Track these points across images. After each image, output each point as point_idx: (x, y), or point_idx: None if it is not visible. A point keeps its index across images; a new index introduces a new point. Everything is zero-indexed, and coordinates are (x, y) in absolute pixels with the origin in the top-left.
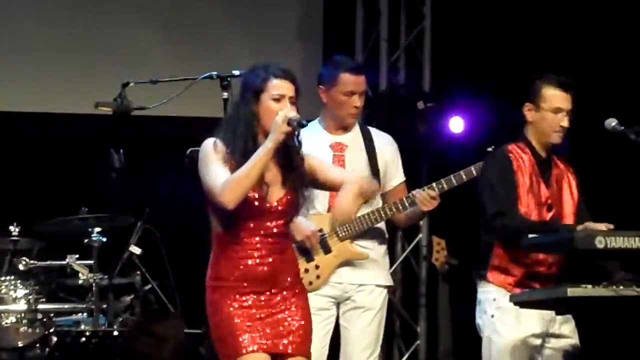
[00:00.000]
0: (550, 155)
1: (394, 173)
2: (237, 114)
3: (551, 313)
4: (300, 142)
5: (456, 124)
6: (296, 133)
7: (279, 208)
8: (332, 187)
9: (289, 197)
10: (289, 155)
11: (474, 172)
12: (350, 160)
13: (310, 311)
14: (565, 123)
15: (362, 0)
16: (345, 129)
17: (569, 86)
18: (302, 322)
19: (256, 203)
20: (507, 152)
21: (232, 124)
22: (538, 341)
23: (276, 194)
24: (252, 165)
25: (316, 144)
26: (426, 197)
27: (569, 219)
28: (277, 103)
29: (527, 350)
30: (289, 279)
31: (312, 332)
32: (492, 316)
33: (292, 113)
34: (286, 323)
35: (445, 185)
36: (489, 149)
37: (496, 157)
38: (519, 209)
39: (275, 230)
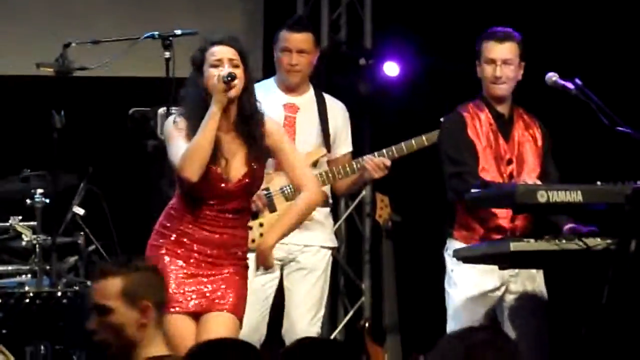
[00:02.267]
0: (512, 109)
1: (342, 141)
2: (189, 89)
3: (514, 269)
4: (259, 112)
5: (391, 69)
6: (251, 99)
7: (239, 186)
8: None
9: (250, 174)
10: (248, 126)
11: (425, 141)
12: (301, 122)
13: (246, 288)
14: (497, 72)
15: None
16: (297, 90)
17: (505, 38)
18: (233, 290)
19: (215, 180)
20: (460, 112)
21: (186, 100)
22: (495, 296)
23: (238, 171)
24: (201, 133)
25: (270, 102)
26: (379, 164)
27: (531, 173)
28: (216, 69)
29: (483, 305)
30: (235, 250)
31: (242, 299)
32: (452, 270)
33: (225, 71)
34: (213, 287)
35: (395, 153)
36: (442, 119)
37: (450, 119)
38: (476, 167)
39: (232, 206)
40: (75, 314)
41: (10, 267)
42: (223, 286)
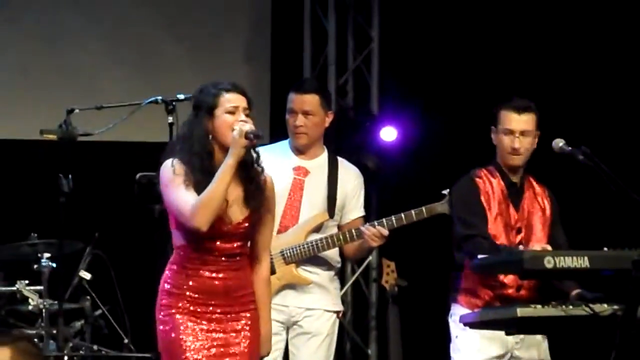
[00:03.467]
0: (523, 178)
1: (353, 206)
2: (191, 133)
3: (519, 336)
4: (258, 157)
5: (388, 133)
6: (254, 146)
7: (240, 230)
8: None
9: (250, 218)
10: (248, 172)
11: (425, 213)
12: (309, 186)
13: (259, 331)
14: (515, 144)
15: (310, 24)
16: (307, 153)
17: (525, 109)
18: (248, 345)
19: (219, 222)
20: (474, 177)
21: (187, 143)
22: None
23: (238, 214)
24: (216, 184)
25: (281, 164)
26: (375, 234)
27: (539, 242)
28: (232, 115)
29: None
30: (243, 297)
31: (258, 351)
32: (457, 337)
33: (248, 126)
34: (233, 342)
35: (395, 223)
36: (444, 192)
37: (463, 183)
38: (486, 230)
39: (234, 250)
40: None
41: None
42: (239, 341)
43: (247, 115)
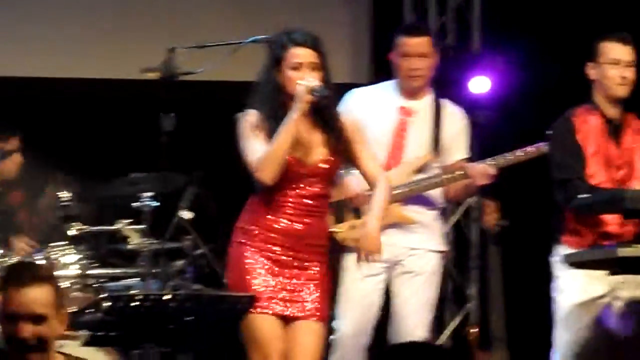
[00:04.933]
0: (623, 114)
1: (457, 148)
2: (264, 81)
3: (622, 275)
4: (333, 104)
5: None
6: (321, 100)
7: (318, 171)
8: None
9: (329, 160)
10: (324, 117)
11: (526, 155)
12: (414, 126)
13: (329, 279)
14: (627, 73)
15: None
16: (416, 94)
17: (629, 40)
18: (320, 291)
19: (293, 166)
20: (569, 116)
21: (261, 92)
22: (602, 302)
23: (316, 156)
24: (279, 138)
25: (385, 105)
26: (482, 171)
27: None
28: (296, 71)
29: (590, 312)
30: (317, 245)
31: (327, 299)
32: (559, 277)
33: (313, 83)
34: (303, 289)
35: (499, 163)
36: (548, 132)
37: (558, 125)
38: (584, 173)
39: (312, 192)
40: (183, 316)
41: (118, 271)
42: (310, 288)
43: (314, 69)
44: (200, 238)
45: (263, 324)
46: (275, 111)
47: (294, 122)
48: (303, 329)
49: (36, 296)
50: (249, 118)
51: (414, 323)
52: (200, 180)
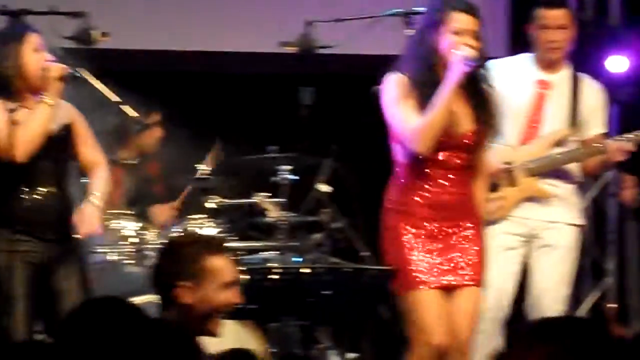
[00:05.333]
0: None
1: (595, 122)
2: (418, 46)
3: None
4: (487, 73)
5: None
6: (476, 71)
7: (467, 141)
8: None
9: (478, 130)
10: (476, 87)
11: None
12: (552, 100)
13: (485, 245)
14: None
15: None
16: (554, 67)
17: None
18: (475, 257)
19: (444, 136)
20: None
21: (413, 57)
22: None
23: (465, 127)
24: (437, 109)
25: (522, 78)
26: (620, 147)
27: None
28: (457, 36)
29: None
30: (470, 211)
31: (486, 265)
32: None
33: (470, 51)
34: (460, 258)
35: (637, 138)
36: None
37: None
38: None
39: (460, 163)
40: (321, 290)
41: (256, 243)
42: (465, 255)
43: (473, 37)
44: (338, 211)
45: (425, 301)
46: (426, 76)
47: (450, 92)
48: (463, 296)
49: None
50: (399, 81)
51: (552, 297)
52: (337, 153)
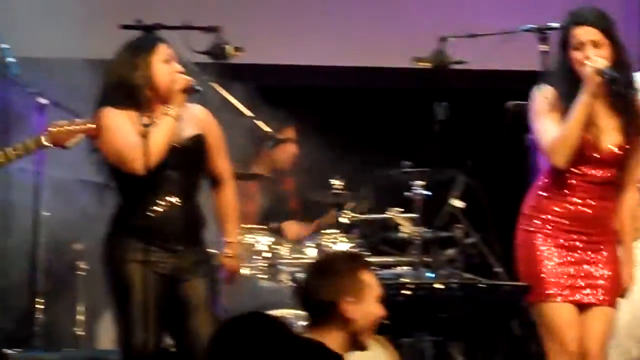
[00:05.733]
0: None
1: None
2: (559, 61)
3: None
4: (627, 86)
5: None
6: (611, 81)
7: (610, 156)
8: None
9: (622, 146)
10: (621, 101)
11: None
12: None
13: (619, 264)
14: None
15: None
16: None
17: None
18: (610, 274)
19: (585, 149)
20: None
21: (556, 71)
22: None
23: (610, 141)
24: (570, 121)
25: None
26: None
27: None
28: (579, 51)
29: None
30: (607, 227)
31: (619, 283)
32: None
33: (601, 63)
34: (596, 274)
35: None
36: None
37: None
38: None
39: (604, 177)
40: (454, 305)
41: (389, 259)
42: (602, 272)
43: (599, 47)
44: (471, 227)
45: (559, 312)
46: (569, 90)
47: (584, 105)
48: (596, 315)
49: None
50: (545, 94)
51: None
52: (471, 168)
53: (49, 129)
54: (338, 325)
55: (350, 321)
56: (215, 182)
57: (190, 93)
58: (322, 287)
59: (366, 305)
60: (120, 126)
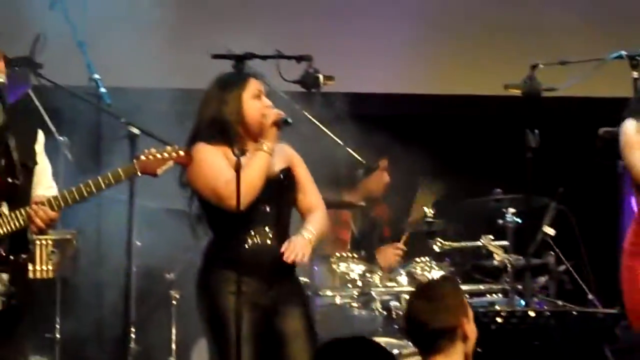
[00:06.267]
0: None
1: None
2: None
3: None
4: None
5: None
6: None
7: None
8: None
9: None
10: None
11: None
12: None
13: None
14: None
15: None
16: None
17: None
18: None
19: None
20: None
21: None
22: None
23: None
24: None
25: None
26: None
27: None
28: None
29: None
30: None
31: None
32: None
33: None
34: None
35: None
36: None
37: None
38: None
39: None
40: (548, 333)
41: (482, 286)
42: None
43: None
44: (564, 254)
45: None
46: None
47: None
48: None
49: None
50: (630, 127)
51: None
52: (562, 196)
53: (140, 157)
54: (460, 347)
55: (469, 341)
56: (306, 213)
57: (281, 127)
58: (439, 313)
59: (473, 324)
60: (215, 162)
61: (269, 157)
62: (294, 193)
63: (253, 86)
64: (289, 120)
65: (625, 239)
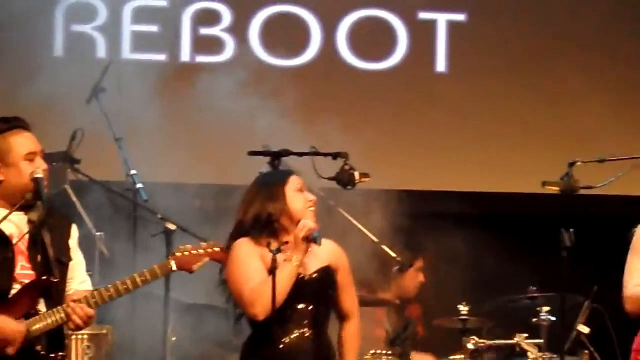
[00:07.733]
0: None
1: None
2: None
3: None
4: None
5: None
6: None
7: None
8: None
9: None
10: None
11: None
12: None
13: None
14: None
15: None
16: None
17: None
18: None
19: None
20: None
21: None
22: None
23: None
24: None
25: None
26: None
27: None
28: None
29: None
30: None
31: None
32: None
33: None
34: None
35: None
36: None
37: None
38: None
39: None
40: None
41: None
42: None
43: None
44: (598, 353)
45: None
46: None
47: None
48: None
49: None
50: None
51: None
52: (596, 294)
53: (176, 253)
54: None
55: None
56: (341, 316)
57: (311, 242)
58: None
59: None
60: (249, 265)
61: (296, 270)
62: (333, 292)
63: (295, 181)
64: (319, 240)
65: (636, 341)
